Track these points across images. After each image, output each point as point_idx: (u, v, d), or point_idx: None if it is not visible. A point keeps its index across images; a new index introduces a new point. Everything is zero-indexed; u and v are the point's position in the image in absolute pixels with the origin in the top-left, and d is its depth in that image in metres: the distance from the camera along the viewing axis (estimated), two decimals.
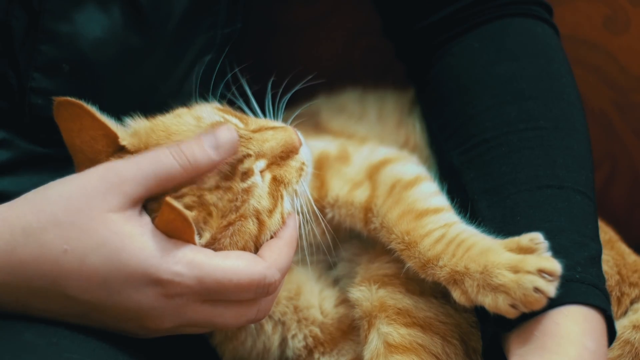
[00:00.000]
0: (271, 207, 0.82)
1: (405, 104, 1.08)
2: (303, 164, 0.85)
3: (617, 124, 1.17)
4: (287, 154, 0.84)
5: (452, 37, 0.98)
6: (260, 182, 0.81)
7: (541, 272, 0.74)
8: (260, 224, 0.81)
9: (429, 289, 0.86)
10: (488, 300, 0.76)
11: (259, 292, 0.76)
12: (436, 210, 0.85)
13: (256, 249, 0.81)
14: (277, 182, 0.83)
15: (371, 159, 0.93)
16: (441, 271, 0.80)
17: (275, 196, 0.82)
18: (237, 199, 0.79)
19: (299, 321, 0.92)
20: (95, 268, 0.72)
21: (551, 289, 0.74)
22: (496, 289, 0.75)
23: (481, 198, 0.86)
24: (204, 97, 0.90)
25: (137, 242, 0.73)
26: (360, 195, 0.90)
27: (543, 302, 0.74)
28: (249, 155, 0.81)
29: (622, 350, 0.87)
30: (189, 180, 0.76)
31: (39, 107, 0.86)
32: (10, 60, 0.85)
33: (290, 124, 0.91)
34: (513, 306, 0.75)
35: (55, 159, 0.87)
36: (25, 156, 0.87)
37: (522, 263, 0.75)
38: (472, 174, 0.89)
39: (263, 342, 0.91)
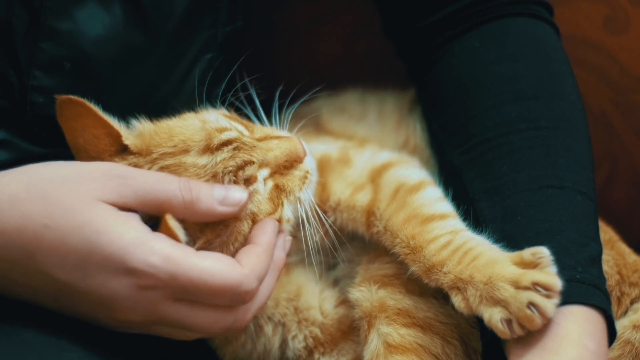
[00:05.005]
0: (271, 211, 0.82)
1: (405, 104, 1.08)
2: (307, 172, 0.85)
3: (617, 124, 1.18)
4: (291, 163, 0.84)
5: (453, 36, 0.98)
6: (262, 189, 0.81)
7: (536, 285, 0.74)
8: (254, 223, 0.81)
9: (428, 289, 0.86)
10: (488, 313, 0.76)
11: (234, 299, 0.74)
12: (442, 216, 0.85)
13: None
14: (279, 190, 0.83)
15: (373, 162, 0.93)
16: (445, 277, 0.80)
17: (275, 202, 0.82)
18: None
19: (299, 322, 0.91)
20: (73, 247, 0.71)
21: (547, 304, 0.74)
22: (497, 302, 0.75)
23: (482, 198, 0.86)
24: (206, 96, 0.90)
25: (118, 228, 0.71)
26: (363, 198, 0.90)
27: (537, 321, 0.74)
28: (251, 162, 0.81)
29: (623, 350, 0.87)
30: (180, 216, 0.75)
31: (40, 105, 0.86)
32: (11, 58, 0.85)
33: (292, 125, 0.91)
34: (509, 322, 0.75)
35: (55, 159, 0.86)
36: (25, 156, 0.87)
37: (521, 277, 0.75)
38: (473, 174, 0.89)
39: (263, 344, 0.91)
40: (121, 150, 0.80)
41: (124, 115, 0.83)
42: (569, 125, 0.90)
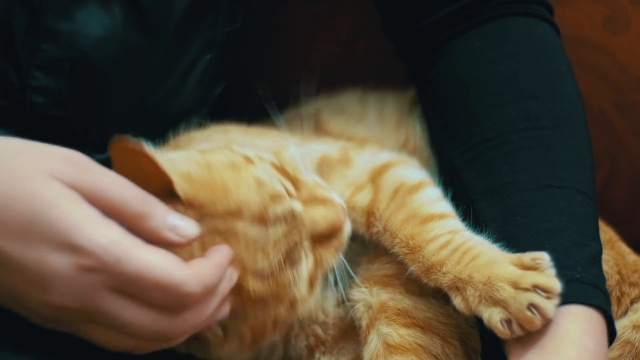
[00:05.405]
0: (305, 294, 0.81)
1: (405, 104, 1.08)
2: (344, 239, 0.84)
3: (617, 124, 1.18)
4: (331, 233, 0.82)
5: (452, 36, 0.98)
6: (305, 271, 0.80)
7: (536, 287, 0.74)
8: (292, 307, 0.80)
9: (428, 289, 0.86)
10: (487, 313, 0.76)
11: (175, 299, 0.70)
12: (441, 216, 0.84)
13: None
14: (316, 265, 0.82)
15: (373, 163, 0.93)
16: (444, 277, 0.80)
17: (312, 282, 0.81)
18: (278, 287, 0.78)
19: (301, 320, 0.91)
20: (19, 215, 0.68)
21: (548, 306, 0.74)
22: (497, 303, 0.75)
23: (481, 198, 0.86)
24: (206, 96, 0.88)
25: (70, 204, 0.68)
26: (363, 199, 0.90)
27: (537, 322, 0.74)
28: (301, 243, 0.79)
29: (623, 350, 0.87)
30: (127, 225, 0.71)
31: (39, 105, 0.86)
32: (11, 58, 0.85)
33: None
34: (508, 322, 0.75)
35: None
36: None
37: (520, 279, 0.75)
38: (473, 174, 0.89)
39: (269, 347, 0.91)
40: (169, 193, 0.76)
41: (124, 115, 0.82)
42: (569, 125, 0.90)
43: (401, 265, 0.85)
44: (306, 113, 1.05)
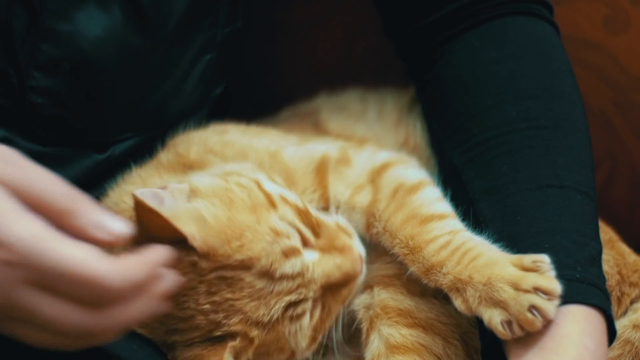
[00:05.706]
0: (305, 348, 0.81)
1: (405, 103, 1.08)
2: (354, 290, 0.84)
3: (617, 124, 1.17)
4: (344, 283, 0.82)
5: (452, 35, 0.98)
6: (307, 325, 0.80)
7: (537, 290, 0.74)
8: (292, 356, 0.81)
9: (429, 289, 0.86)
10: (487, 314, 0.76)
11: (97, 293, 0.66)
12: (441, 217, 0.84)
13: None
14: (322, 318, 0.82)
15: (373, 162, 0.93)
16: (444, 278, 0.80)
17: (315, 335, 0.81)
18: (279, 337, 0.79)
19: None
20: None
21: (549, 307, 0.74)
22: (497, 304, 0.75)
23: (481, 197, 0.86)
24: (205, 96, 0.88)
25: None
26: (362, 199, 0.90)
27: (537, 324, 0.74)
28: (306, 300, 0.80)
29: (623, 350, 0.87)
30: (53, 221, 0.67)
31: (38, 105, 0.86)
32: (11, 58, 0.85)
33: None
34: (509, 323, 0.75)
35: (56, 158, 0.87)
36: (26, 155, 0.87)
37: (521, 280, 0.75)
38: (473, 174, 0.89)
39: None
40: (182, 243, 0.76)
41: (123, 115, 0.82)
42: (568, 124, 0.90)
43: (402, 265, 0.85)
44: (306, 112, 1.05)
